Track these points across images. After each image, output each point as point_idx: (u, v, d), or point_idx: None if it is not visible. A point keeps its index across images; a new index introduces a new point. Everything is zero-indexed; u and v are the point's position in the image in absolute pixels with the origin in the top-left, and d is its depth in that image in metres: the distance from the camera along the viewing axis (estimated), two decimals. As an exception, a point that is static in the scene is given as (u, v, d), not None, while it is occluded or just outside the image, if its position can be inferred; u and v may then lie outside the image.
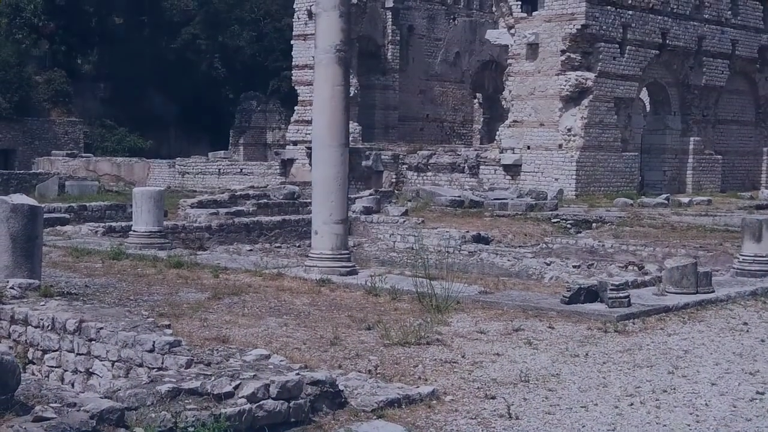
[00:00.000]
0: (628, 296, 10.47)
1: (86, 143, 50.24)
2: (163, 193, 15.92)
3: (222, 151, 45.55)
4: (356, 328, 9.55)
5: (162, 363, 7.88)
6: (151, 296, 11.14)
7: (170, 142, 54.89)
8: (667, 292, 11.32)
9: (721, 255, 18.79)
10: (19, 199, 10.44)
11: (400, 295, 11.39)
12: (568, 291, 10.65)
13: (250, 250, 21.04)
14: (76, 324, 8.68)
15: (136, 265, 13.70)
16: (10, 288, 9.66)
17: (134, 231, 15.45)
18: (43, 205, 10.84)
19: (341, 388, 6.71)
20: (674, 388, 7.47)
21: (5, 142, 46.73)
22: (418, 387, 7.16)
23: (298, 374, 6.59)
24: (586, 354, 8.57)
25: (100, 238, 18.21)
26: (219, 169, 39.94)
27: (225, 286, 11.97)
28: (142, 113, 53.21)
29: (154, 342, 8.00)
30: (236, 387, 6.24)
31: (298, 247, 23.65)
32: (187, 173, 40.53)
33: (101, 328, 8.52)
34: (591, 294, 10.65)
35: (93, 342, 8.54)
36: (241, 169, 39.41)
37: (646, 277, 13.34)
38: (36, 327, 8.99)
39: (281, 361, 7.40)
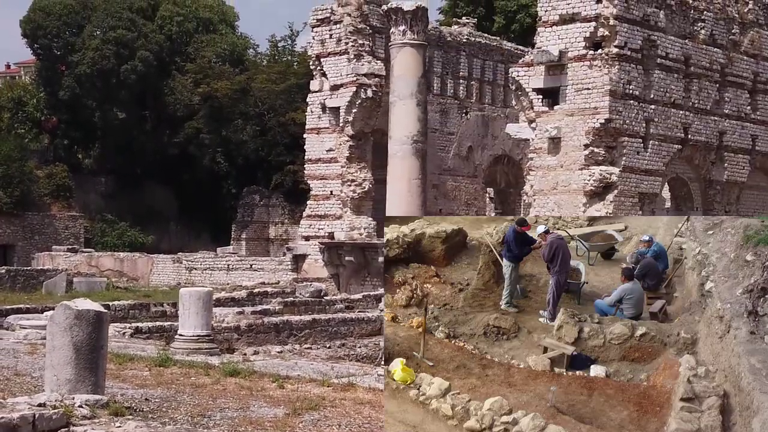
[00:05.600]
0: None
1: (86, 238, 49.35)
2: (212, 294, 14.86)
3: (230, 246, 44.59)
4: (471, 451, 8.46)
5: (276, 500, 6.78)
6: (222, 412, 10.01)
7: (171, 236, 54.04)
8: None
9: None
10: (84, 304, 9.39)
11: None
12: None
13: (280, 351, 19.94)
14: (166, 451, 7.59)
15: (187, 373, 12.56)
16: (79, 406, 8.55)
17: (180, 335, 14.35)
18: (108, 311, 9.76)
19: None
20: None
21: (5, 237, 45.71)
22: None
23: None
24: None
25: (128, 341, 17.15)
26: (228, 265, 38.89)
27: (296, 398, 10.85)
28: (143, 207, 52.50)
29: (263, 474, 6.91)
30: None
31: (329, 348, 22.54)
32: (195, 269, 39.45)
33: (196, 456, 7.43)
34: None
35: (186, 472, 7.45)
36: (251, 265, 38.35)
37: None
38: (115, 453, 7.88)
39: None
